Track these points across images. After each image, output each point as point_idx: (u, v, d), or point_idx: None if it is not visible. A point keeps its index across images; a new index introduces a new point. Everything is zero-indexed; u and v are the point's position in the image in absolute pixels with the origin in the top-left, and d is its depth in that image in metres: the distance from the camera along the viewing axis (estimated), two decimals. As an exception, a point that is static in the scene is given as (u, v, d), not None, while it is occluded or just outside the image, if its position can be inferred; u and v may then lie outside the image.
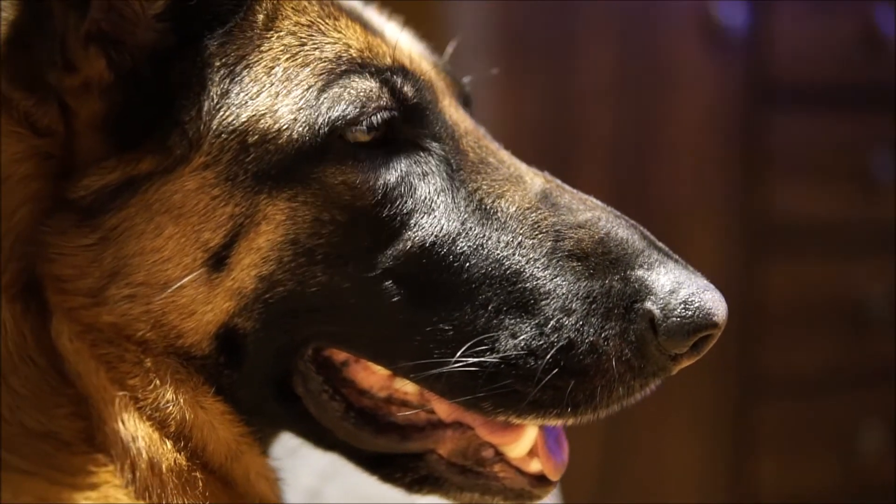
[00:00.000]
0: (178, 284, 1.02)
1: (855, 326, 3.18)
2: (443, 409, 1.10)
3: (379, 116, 1.04)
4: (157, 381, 1.03)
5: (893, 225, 3.16)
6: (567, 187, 1.11)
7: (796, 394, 3.17)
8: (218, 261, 1.03)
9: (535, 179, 1.10)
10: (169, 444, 1.03)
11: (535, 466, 1.11)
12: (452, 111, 1.13)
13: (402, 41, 1.14)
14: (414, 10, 1.24)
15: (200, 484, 1.03)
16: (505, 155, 1.13)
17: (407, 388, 1.11)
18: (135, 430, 1.01)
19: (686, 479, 3.09)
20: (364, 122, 1.03)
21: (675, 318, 1.00)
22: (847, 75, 3.16)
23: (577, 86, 2.85)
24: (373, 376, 1.11)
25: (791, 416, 3.17)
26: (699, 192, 2.97)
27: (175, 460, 1.02)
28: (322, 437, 1.14)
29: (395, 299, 1.04)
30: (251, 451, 1.09)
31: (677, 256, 1.06)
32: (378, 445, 1.12)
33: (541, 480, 1.12)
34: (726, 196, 3.01)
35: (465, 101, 1.21)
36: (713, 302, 1.01)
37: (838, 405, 3.22)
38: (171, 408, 1.03)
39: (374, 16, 1.18)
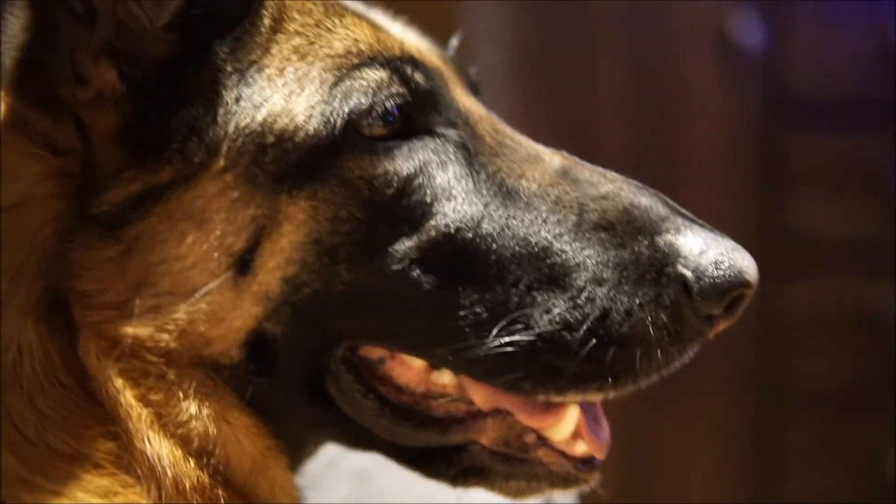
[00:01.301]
0: (204, 290, 1.01)
1: (876, 344, 3.15)
2: (480, 397, 1.08)
3: (391, 102, 1.04)
4: (181, 395, 1.02)
5: (913, 242, 3.14)
6: (586, 163, 1.11)
7: (819, 413, 3.12)
8: (243, 264, 1.02)
9: (553, 158, 1.10)
10: (192, 461, 1.01)
11: (579, 449, 1.09)
12: (464, 98, 1.13)
13: (408, 35, 1.16)
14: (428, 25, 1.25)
15: (222, 502, 1.02)
16: (521, 138, 1.13)
17: (444, 379, 1.09)
18: (160, 448, 1.00)
19: (709, 499, 3.06)
20: (378, 110, 1.04)
21: (707, 279, 1.00)
22: (865, 93, 3.15)
23: (594, 107, 2.86)
24: (410, 371, 1.09)
25: (814, 435, 3.12)
26: (718, 210, 2.95)
27: (198, 478, 1.01)
28: (360, 438, 1.12)
29: (425, 288, 1.03)
30: (277, 465, 1.07)
31: (702, 221, 1.06)
32: (418, 440, 1.10)
33: (586, 464, 1.10)
34: (745, 214, 3.00)
35: (474, 90, 1.21)
36: (743, 261, 1.02)
37: (862, 424, 3.17)
38: (194, 423, 1.02)
39: (380, 15, 1.20)
